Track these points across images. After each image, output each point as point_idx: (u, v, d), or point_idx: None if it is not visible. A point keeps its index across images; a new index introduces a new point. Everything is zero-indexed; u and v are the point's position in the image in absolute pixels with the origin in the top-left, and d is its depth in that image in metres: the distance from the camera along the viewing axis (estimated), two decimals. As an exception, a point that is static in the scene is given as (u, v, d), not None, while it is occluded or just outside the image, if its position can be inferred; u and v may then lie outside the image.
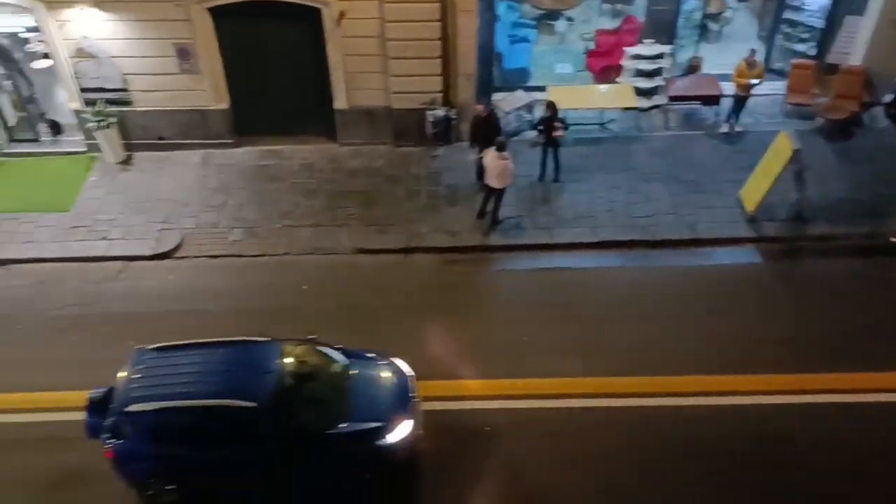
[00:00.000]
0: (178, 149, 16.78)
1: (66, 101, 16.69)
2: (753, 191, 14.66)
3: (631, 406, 11.41)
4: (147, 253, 14.43)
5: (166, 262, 14.37)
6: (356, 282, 13.84)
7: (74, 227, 15.00)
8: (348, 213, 15.25)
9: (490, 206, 14.65)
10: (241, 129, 16.88)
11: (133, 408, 9.58)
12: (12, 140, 17.10)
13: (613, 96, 17.38)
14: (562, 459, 10.75)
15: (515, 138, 16.41)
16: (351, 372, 10.60)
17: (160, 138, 16.74)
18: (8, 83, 16.78)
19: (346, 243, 14.62)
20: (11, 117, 17.06)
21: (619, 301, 13.26)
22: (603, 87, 17.75)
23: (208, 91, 16.17)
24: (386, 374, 10.76)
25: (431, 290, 13.69)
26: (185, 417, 9.54)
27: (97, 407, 10.00)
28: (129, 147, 16.77)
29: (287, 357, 10.27)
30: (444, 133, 16.61)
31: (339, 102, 16.39)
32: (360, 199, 15.60)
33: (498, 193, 14.38)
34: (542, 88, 17.36)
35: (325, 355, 10.75)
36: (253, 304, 13.29)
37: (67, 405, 11.48)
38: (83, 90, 16.10)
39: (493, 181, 14.17)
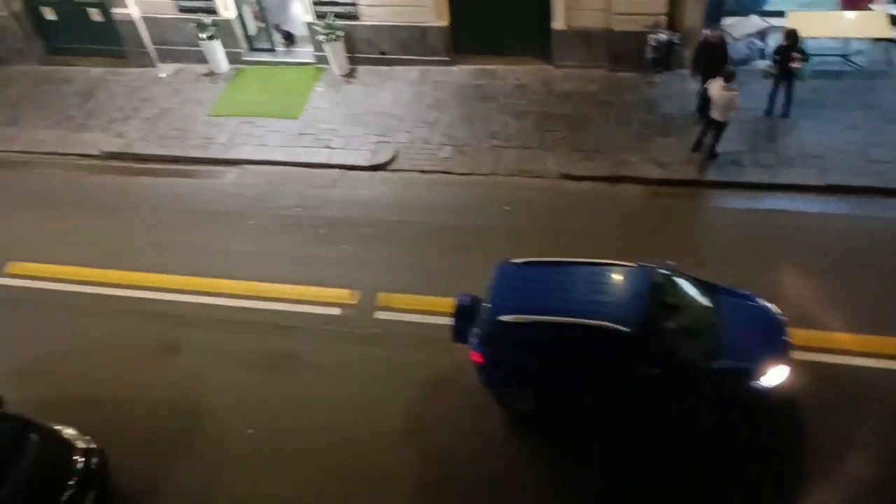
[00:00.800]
0: (398, 64, 17.33)
1: (299, 14, 17.70)
2: None
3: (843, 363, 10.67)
4: (363, 163, 15.20)
5: (380, 173, 15.07)
6: (558, 207, 13.78)
7: (301, 134, 16.07)
8: (556, 137, 15.09)
9: (708, 139, 13.88)
10: (459, 47, 17.06)
11: (507, 318, 9.81)
12: (252, 49, 18.47)
13: (863, 25, 15.55)
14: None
15: (743, 68, 15.25)
16: (721, 306, 10.23)
17: (382, 53, 17.35)
18: (251, -5, 18.11)
19: (552, 167, 14.54)
20: (252, 27, 18.41)
21: (842, 251, 12.18)
22: (851, 14, 15.93)
23: (430, 7, 16.42)
24: (757, 313, 10.32)
25: (636, 221, 13.34)
26: (556, 332, 9.68)
27: (464, 313, 10.38)
28: (354, 60, 17.54)
29: (656, 284, 10.06)
30: (665, 59, 15.80)
31: (558, 23, 16.04)
32: (569, 123, 15.36)
33: (719, 126, 13.56)
34: (779, 14, 15.92)
35: (691, 286, 10.41)
36: (457, 221, 13.72)
37: (288, 297, 12.70)
38: (315, 3, 16.95)
39: (716, 113, 13.36)
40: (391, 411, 10.97)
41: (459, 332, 10.41)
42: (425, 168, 14.99)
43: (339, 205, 14.47)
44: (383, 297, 12.43)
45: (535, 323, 9.74)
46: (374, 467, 10.38)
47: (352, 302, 12.49)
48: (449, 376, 11.22)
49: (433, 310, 12.00)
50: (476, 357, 10.17)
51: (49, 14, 18.46)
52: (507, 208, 13.86)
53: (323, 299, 12.58)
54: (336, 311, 12.42)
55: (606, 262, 10.33)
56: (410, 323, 12.01)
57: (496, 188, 14.36)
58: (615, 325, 9.50)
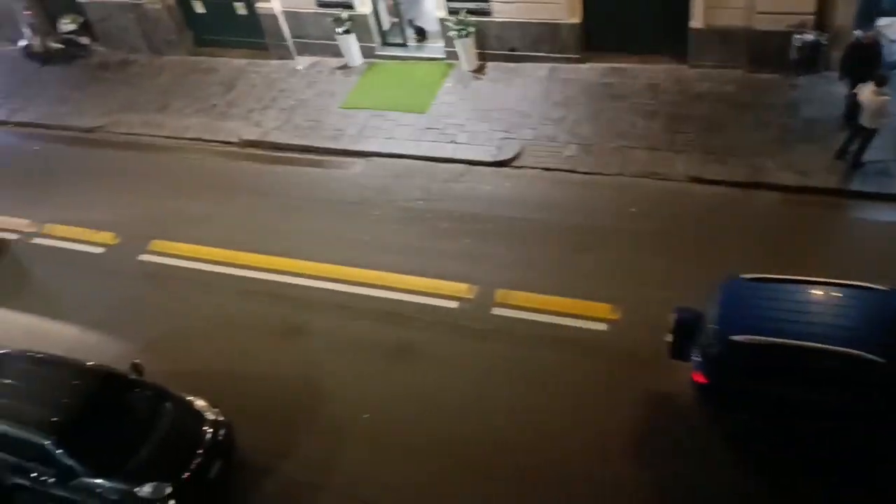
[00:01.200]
0: (527, 61, 17.25)
1: (432, 10, 17.94)
2: None
3: None
4: (488, 159, 15.25)
5: (504, 169, 15.07)
6: (687, 211, 13.33)
7: (428, 128, 16.30)
8: (687, 139, 14.62)
9: (854, 147, 13.08)
10: (589, 45, 16.83)
11: (739, 338, 9.14)
12: (384, 44, 18.87)
13: None
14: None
15: (896, 71, 14.30)
16: None
17: (512, 49, 17.34)
18: (386, -10, 18.52)
19: (682, 170, 14.09)
20: (386, 22, 18.82)
21: None
22: None
23: (563, 4, 16.26)
24: None
25: (769, 231, 12.73)
26: (794, 356, 8.95)
27: (684, 329, 9.85)
28: (483, 56, 17.62)
29: None
30: (810, 60, 14.98)
31: (696, 21, 15.52)
32: (702, 125, 14.85)
33: (867, 133, 12.75)
34: (942, 14, 14.82)
35: None
36: (580, 220, 13.55)
37: (407, 288, 12.93)
38: (449, -1, 17.18)
39: (866, 120, 12.57)
40: (506, 408, 10.97)
41: (680, 348, 9.89)
42: (550, 166, 14.86)
43: (462, 199, 14.58)
44: (501, 294, 12.44)
45: (770, 345, 8.99)
46: (485, 463, 10.41)
47: (470, 296, 12.57)
48: (568, 376, 11.13)
49: (552, 309, 11.97)
50: (699, 377, 9.57)
51: (199, 7, 19.59)
52: (632, 210, 13.56)
53: (441, 292, 12.72)
54: (454, 305, 12.53)
55: (851, 283, 9.51)
56: (528, 321, 11.97)
57: (622, 189, 14.07)
58: (865, 354, 8.67)
